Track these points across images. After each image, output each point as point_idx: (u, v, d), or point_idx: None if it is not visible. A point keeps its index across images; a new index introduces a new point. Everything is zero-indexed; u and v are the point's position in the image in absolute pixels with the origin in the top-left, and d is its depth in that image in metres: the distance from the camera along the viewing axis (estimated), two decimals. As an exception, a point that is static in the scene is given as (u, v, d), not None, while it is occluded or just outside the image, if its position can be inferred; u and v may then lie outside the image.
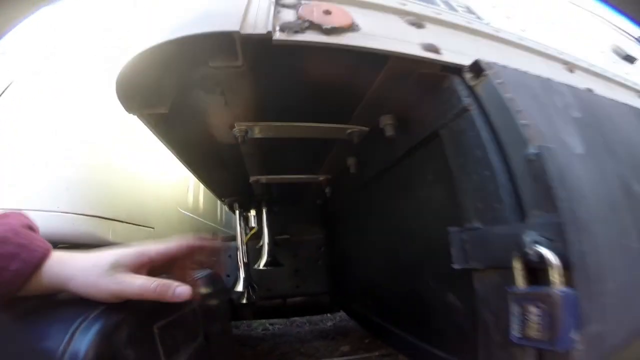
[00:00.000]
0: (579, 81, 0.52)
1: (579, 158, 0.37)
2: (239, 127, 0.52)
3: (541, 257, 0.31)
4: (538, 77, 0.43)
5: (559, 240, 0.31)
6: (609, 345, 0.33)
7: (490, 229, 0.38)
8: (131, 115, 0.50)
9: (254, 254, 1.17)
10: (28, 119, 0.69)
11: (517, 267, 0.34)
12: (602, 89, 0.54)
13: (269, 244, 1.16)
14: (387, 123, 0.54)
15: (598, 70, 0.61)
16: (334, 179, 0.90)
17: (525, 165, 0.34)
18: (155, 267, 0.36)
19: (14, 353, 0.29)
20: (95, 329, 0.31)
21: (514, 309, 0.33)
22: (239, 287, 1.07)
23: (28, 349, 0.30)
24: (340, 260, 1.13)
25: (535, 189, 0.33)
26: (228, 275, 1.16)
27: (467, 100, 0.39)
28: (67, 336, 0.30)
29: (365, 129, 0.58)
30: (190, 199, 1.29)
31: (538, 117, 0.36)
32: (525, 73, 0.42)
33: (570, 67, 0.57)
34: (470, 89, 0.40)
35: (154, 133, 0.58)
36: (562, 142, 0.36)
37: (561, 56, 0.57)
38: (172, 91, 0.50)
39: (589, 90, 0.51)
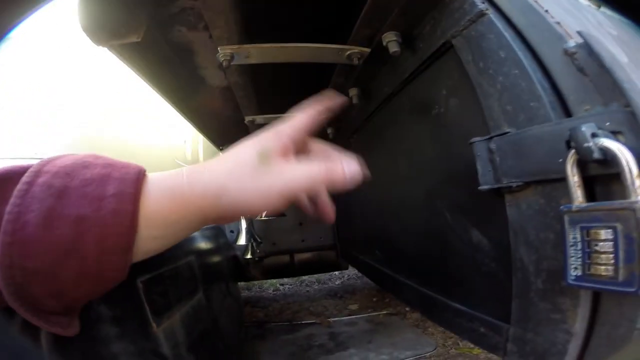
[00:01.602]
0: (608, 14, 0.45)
1: (624, 63, 0.29)
2: (223, 52, 0.44)
3: (606, 155, 0.23)
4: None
5: (628, 132, 0.23)
6: None
7: (527, 131, 0.30)
8: (100, 47, 0.45)
9: None
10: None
11: (573, 173, 0.25)
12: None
13: None
14: (390, 39, 0.46)
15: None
16: (336, 117, 0.82)
17: (564, 60, 0.29)
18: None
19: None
20: None
21: (573, 237, 0.25)
22: (242, 241, 1.05)
23: None
24: (347, 210, 1.09)
25: (581, 83, 0.28)
26: (232, 231, 1.14)
27: (482, 5, 0.35)
28: None
29: (367, 49, 0.48)
30: (189, 151, 1.26)
31: (570, 19, 0.31)
32: None
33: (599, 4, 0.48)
34: None
35: (132, 68, 0.52)
36: (602, 43, 0.29)
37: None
38: (145, 19, 0.44)
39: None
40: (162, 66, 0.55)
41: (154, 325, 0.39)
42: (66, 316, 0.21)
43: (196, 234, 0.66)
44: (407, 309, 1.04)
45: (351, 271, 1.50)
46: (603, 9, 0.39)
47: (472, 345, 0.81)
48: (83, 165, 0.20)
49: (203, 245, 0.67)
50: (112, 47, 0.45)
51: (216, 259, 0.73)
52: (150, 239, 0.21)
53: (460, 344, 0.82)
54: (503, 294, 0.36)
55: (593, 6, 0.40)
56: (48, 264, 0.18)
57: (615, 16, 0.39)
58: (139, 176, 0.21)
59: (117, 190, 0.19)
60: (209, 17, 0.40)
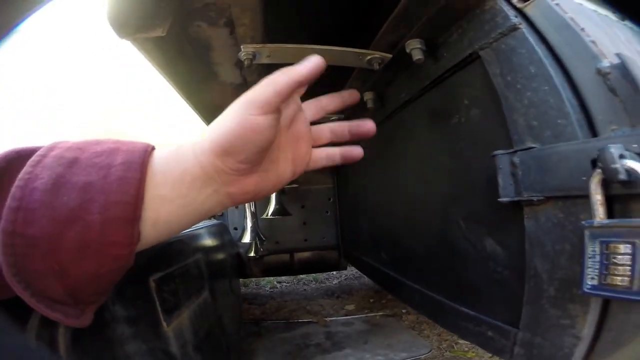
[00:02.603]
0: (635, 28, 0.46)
1: None
2: (245, 50, 0.44)
3: (631, 176, 0.24)
4: (595, 10, 0.39)
5: None
6: None
7: (552, 147, 0.31)
8: (124, 40, 0.44)
9: (260, 204, 1.13)
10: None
11: (597, 191, 0.27)
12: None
13: (277, 192, 1.10)
14: (414, 47, 0.46)
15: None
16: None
17: (595, 80, 0.30)
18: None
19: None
20: None
21: (592, 249, 0.27)
22: (246, 238, 1.04)
23: None
24: (352, 211, 1.09)
25: (611, 103, 0.29)
26: (235, 229, 1.12)
27: (515, 20, 0.36)
28: None
29: (388, 55, 0.49)
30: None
31: (603, 38, 0.32)
32: (580, 3, 0.38)
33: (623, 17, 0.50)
34: (517, 10, 0.37)
35: (151, 62, 0.52)
36: (636, 65, 0.30)
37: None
38: (170, 13, 0.43)
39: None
40: (179, 61, 0.54)
41: (164, 324, 0.39)
42: (72, 307, 0.20)
43: (202, 230, 0.65)
44: (404, 311, 1.06)
45: (349, 271, 1.51)
46: (627, 22, 0.41)
47: (466, 349, 0.84)
48: (95, 142, 0.21)
49: (209, 242, 0.67)
50: (135, 41, 0.45)
51: (221, 256, 0.73)
52: (158, 200, 0.20)
53: (455, 347, 0.84)
54: (513, 300, 0.38)
55: (619, 20, 0.41)
56: (50, 232, 0.17)
57: (636, 29, 0.40)
58: (147, 148, 0.21)
59: (124, 160, 0.20)
60: (237, 14, 0.40)
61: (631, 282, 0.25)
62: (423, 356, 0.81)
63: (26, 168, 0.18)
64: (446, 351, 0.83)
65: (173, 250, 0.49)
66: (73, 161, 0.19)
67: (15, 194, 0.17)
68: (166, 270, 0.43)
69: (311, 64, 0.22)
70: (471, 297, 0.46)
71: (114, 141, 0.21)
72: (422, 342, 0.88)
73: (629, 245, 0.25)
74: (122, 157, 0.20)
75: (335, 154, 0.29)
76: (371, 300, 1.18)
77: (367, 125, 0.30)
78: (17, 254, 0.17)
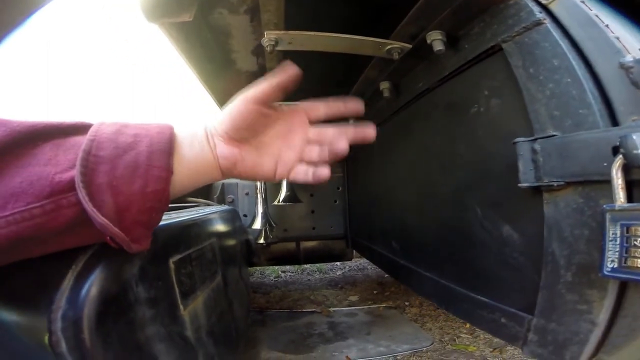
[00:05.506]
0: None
1: None
2: (268, 36, 0.45)
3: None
4: (615, 9, 0.39)
5: None
6: None
7: (574, 135, 0.32)
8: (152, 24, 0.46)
9: (271, 192, 1.14)
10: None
11: (618, 176, 0.28)
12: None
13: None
14: (435, 38, 0.47)
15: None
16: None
17: (618, 73, 0.31)
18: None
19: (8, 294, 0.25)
20: (102, 262, 0.26)
21: (613, 232, 0.28)
22: (257, 224, 1.04)
23: (26, 282, 0.25)
24: (362, 200, 1.10)
25: (632, 95, 0.30)
26: (245, 215, 1.13)
27: (540, 15, 0.37)
28: (71, 271, 0.25)
29: (408, 45, 0.49)
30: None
31: (628, 34, 0.33)
32: (601, 2, 0.39)
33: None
34: (542, 6, 0.38)
35: (175, 46, 0.54)
36: None
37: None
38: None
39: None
40: (199, 47, 0.55)
41: (181, 307, 0.39)
42: (129, 229, 0.25)
43: (215, 215, 0.66)
44: (407, 303, 1.08)
45: (353, 263, 1.52)
46: None
47: (467, 342, 0.85)
48: (117, 131, 0.27)
49: (222, 228, 0.67)
50: (162, 25, 0.45)
51: (232, 242, 0.73)
52: (180, 152, 0.28)
53: (457, 340, 0.86)
54: (527, 286, 0.39)
55: None
56: (113, 154, 0.24)
57: None
58: (171, 129, 0.29)
59: (158, 126, 0.28)
60: (263, 1, 0.40)
61: (652, 264, 0.26)
62: (425, 348, 0.82)
63: (92, 128, 0.26)
64: (448, 344, 0.84)
65: (190, 233, 0.49)
66: (124, 125, 0.27)
67: (90, 134, 0.25)
68: (184, 252, 0.44)
69: (286, 73, 0.30)
70: (485, 285, 0.47)
71: (136, 127, 0.28)
72: (424, 335, 0.89)
73: (651, 229, 0.26)
74: (156, 125, 0.28)
75: (309, 171, 0.34)
76: (374, 292, 1.20)
77: (368, 131, 0.34)
78: (89, 167, 0.23)
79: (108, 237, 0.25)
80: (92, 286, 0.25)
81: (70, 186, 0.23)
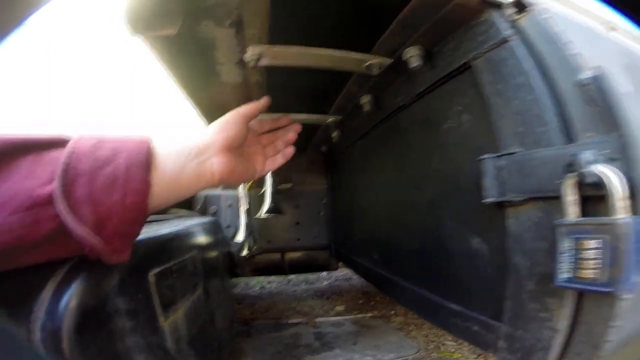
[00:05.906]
0: (620, 39, 0.50)
1: (629, 94, 0.34)
2: (252, 51, 0.46)
3: (599, 179, 0.27)
4: (582, 24, 0.42)
5: (623, 159, 0.28)
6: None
7: (533, 153, 0.34)
8: (136, 37, 0.46)
9: (254, 204, 1.14)
10: None
11: (570, 193, 0.30)
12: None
13: (271, 191, 1.12)
14: (412, 54, 0.49)
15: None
16: (343, 121, 0.86)
17: (576, 90, 0.33)
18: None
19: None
20: (82, 274, 0.27)
21: (564, 245, 0.30)
22: (240, 237, 1.04)
23: (6, 292, 0.25)
24: (345, 211, 1.11)
25: (588, 112, 0.32)
26: (228, 226, 1.12)
27: (507, 32, 0.38)
28: (50, 282, 0.26)
29: (388, 60, 0.51)
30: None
31: (587, 51, 0.35)
32: (569, 18, 0.41)
33: (611, 26, 0.54)
34: (511, 23, 0.39)
35: (158, 59, 0.54)
36: (612, 75, 0.33)
37: (602, 15, 0.52)
38: (182, 12, 0.46)
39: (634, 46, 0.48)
40: (184, 59, 0.55)
41: (161, 319, 0.39)
42: (109, 240, 0.26)
43: (198, 227, 0.66)
44: (392, 312, 1.08)
45: (338, 273, 1.52)
46: (614, 33, 0.43)
47: (452, 350, 0.86)
48: (97, 143, 0.28)
49: (204, 239, 0.67)
50: (146, 38, 0.45)
51: (215, 254, 0.73)
52: (162, 161, 0.29)
53: (442, 347, 0.86)
54: (496, 295, 0.41)
55: (608, 30, 0.43)
56: (92, 167, 0.25)
57: (628, 40, 0.42)
58: (149, 141, 0.30)
59: (136, 140, 0.29)
60: (248, 15, 0.41)
61: (599, 274, 0.28)
62: (411, 357, 0.82)
63: (70, 143, 0.26)
64: (433, 352, 0.85)
65: (171, 246, 0.50)
66: (102, 139, 0.28)
67: (69, 148, 0.26)
68: (164, 265, 0.44)
69: (260, 104, 0.38)
70: (458, 294, 0.48)
71: (115, 140, 0.29)
72: (410, 343, 0.89)
73: (598, 241, 0.28)
74: (135, 138, 0.29)
75: (278, 158, 0.42)
76: (360, 302, 1.20)
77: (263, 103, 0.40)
78: (68, 180, 0.24)
79: (87, 249, 0.25)
80: (72, 297, 0.25)
81: (50, 199, 0.23)
